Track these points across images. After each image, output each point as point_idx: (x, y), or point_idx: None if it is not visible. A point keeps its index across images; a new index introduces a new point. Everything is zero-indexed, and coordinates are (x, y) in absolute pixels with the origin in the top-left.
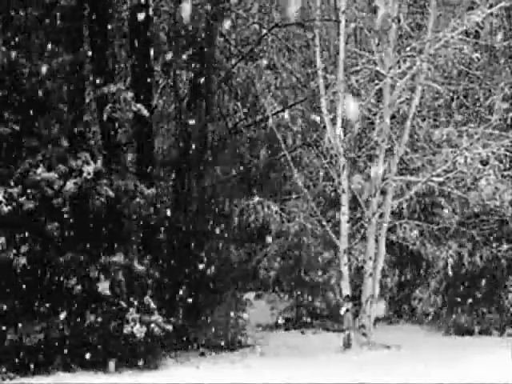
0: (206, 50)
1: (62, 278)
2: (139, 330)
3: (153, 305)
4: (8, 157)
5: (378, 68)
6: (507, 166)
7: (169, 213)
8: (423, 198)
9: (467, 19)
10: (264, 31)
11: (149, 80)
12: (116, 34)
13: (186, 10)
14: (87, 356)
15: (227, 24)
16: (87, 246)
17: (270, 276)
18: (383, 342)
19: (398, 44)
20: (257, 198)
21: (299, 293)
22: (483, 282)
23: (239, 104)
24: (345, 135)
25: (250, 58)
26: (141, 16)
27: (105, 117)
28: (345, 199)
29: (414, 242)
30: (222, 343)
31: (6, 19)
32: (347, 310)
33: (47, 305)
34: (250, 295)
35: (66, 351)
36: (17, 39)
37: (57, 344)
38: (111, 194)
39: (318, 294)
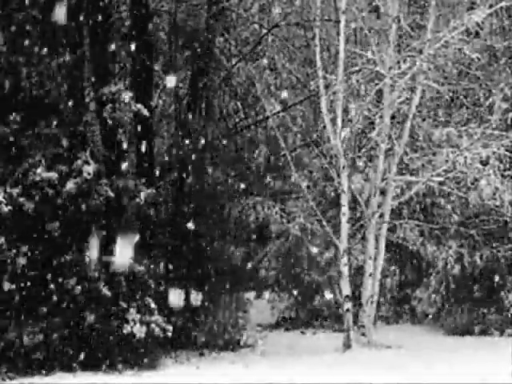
0: (205, 49)
1: (62, 278)
2: (139, 330)
3: (153, 305)
4: (8, 157)
5: (378, 68)
6: (507, 166)
7: (168, 212)
8: (423, 198)
9: (467, 19)
10: (264, 31)
11: (149, 80)
12: (116, 34)
13: None
14: (87, 356)
15: None
16: (87, 246)
17: (270, 276)
18: (383, 341)
19: (398, 44)
20: (257, 198)
21: (299, 293)
22: (483, 282)
23: (239, 104)
24: (345, 135)
25: (250, 58)
26: (140, 16)
27: (105, 116)
28: (345, 199)
29: (414, 242)
30: (222, 343)
31: (6, 19)
32: (347, 310)
33: (47, 305)
34: (250, 295)
35: (66, 351)
36: (17, 39)
37: (57, 344)
38: (111, 193)
39: (318, 294)
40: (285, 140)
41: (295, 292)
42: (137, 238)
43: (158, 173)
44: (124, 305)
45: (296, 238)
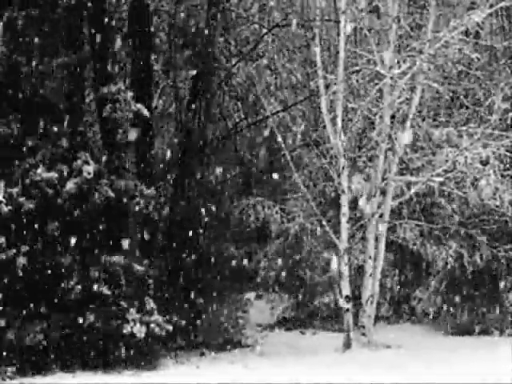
0: (206, 49)
1: (61, 278)
2: (139, 330)
3: (153, 305)
4: (8, 157)
5: (378, 68)
6: (507, 166)
7: (168, 213)
8: (423, 198)
9: (467, 19)
10: (264, 31)
11: (149, 80)
12: (116, 34)
13: None
14: (87, 356)
15: None
16: (87, 246)
17: (270, 276)
18: (383, 341)
19: (398, 44)
20: (257, 198)
21: (299, 293)
22: (483, 282)
23: (239, 104)
24: (345, 135)
25: (250, 58)
26: (141, 16)
27: (105, 116)
28: (345, 199)
29: (414, 242)
30: (222, 343)
31: (6, 19)
32: (347, 310)
33: (47, 305)
34: (250, 295)
35: (66, 351)
36: (17, 39)
37: (57, 344)
38: (111, 194)
39: (318, 294)
40: (285, 140)
41: (295, 292)
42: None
43: (158, 173)
44: (124, 305)
45: (296, 238)
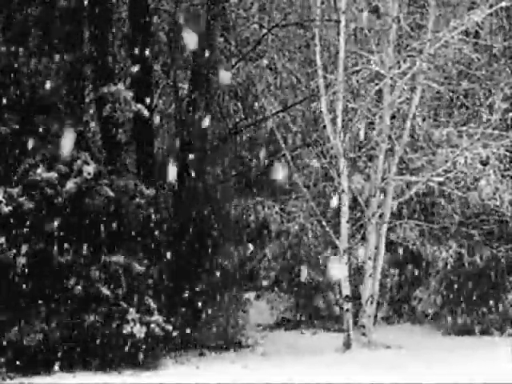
0: (205, 50)
1: (61, 278)
2: (139, 330)
3: (153, 305)
4: (8, 157)
5: (377, 68)
6: (507, 166)
7: (169, 213)
8: (423, 198)
9: (467, 19)
10: (264, 31)
11: (149, 80)
12: (116, 34)
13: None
14: (87, 356)
15: None
16: (87, 246)
17: (269, 276)
18: (383, 342)
19: (398, 44)
20: (257, 198)
21: (299, 293)
22: (483, 282)
23: (239, 104)
24: (345, 135)
25: (250, 58)
26: (140, 16)
27: (105, 116)
28: (345, 199)
29: (414, 242)
30: (222, 343)
31: (6, 19)
32: (347, 310)
33: (47, 305)
34: (250, 295)
35: (66, 351)
36: (17, 39)
37: (57, 344)
38: (111, 194)
39: (318, 294)
40: (285, 140)
41: (295, 292)
42: None
43: (158, 173)
44: (124, 305)
45: (296, 238)
